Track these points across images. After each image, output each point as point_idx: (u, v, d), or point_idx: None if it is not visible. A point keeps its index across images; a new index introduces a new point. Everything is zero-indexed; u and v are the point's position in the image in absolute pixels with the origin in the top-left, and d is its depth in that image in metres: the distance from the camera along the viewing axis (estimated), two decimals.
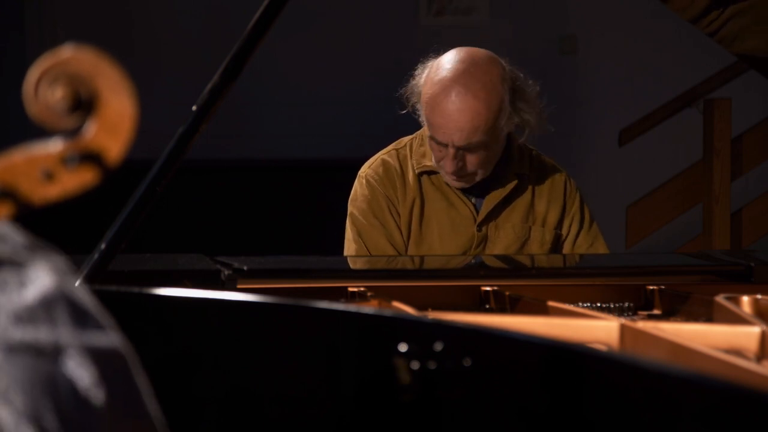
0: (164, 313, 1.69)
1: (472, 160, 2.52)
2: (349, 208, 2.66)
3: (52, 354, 0.74)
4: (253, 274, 2.05)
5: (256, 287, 2.02)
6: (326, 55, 5.78)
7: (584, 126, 5.82)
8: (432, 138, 2.53)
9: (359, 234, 2.62)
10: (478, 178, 2.57)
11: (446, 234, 2.60)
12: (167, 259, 2.18)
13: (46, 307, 0.75)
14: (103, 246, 1.91)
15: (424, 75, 2.56)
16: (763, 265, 2.21)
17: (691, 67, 5.47)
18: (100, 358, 0.76)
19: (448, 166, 2.51)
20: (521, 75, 2.55)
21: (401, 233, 2.61)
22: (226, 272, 2.02)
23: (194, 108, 2.02)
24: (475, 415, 1.50)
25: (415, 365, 1.48)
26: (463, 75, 2.48)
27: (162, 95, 5.26)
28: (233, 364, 1.68)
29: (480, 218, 2.61)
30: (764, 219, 4.98)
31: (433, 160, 2.58)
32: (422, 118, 2.59)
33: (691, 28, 2.53)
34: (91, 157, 0.78)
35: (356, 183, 2.67)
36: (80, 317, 0.77)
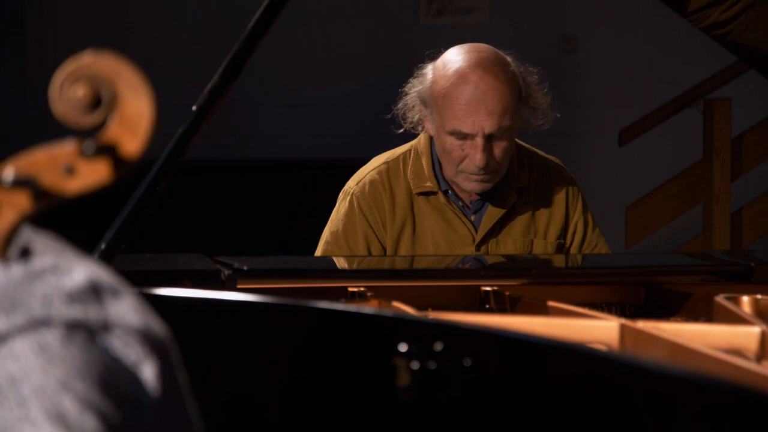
0: (164, 313, 1.69)
1: (498, 151, 2.41)
2: (328, 223, 2.56)
3: (101, 332, 0.79)
4: (253, 274, 2.05)
5: (256, 287, 2.02)
6: (326, 55, 5.78)
7: (584, 126, 5.82)
8: (453, 134, 2.41)
9: (324, 254, 2.52)
10: (498, 177, 2.46)
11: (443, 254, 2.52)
12: (167, 259, 2.18)
13: (94, 290, 0.80)
14: (103, 246, 1.91)
15: (429, 76, 2.45)
16: (763, 265, 2.21)
17: (691, 67, 5.48)
18: (144, 338, 0.81)
19: (480, 159, 2.38)
20: (521, 63, 2.49)
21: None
22: (226, 272, 2.02)
23: (194, 108, 2.02)
24: (475, 415, 1.50)
25: (415, 365, 1.48)
26: (477, 62, 2.40)
27: (162, 95, 5.25)
28: (233, 364, 1.68)
29: (479, 238, 2.52)
30: (764, 219, 4.98)
31: (449, 165, 2.45)
32: (431, 124, 2.47)
33: (691, 28, 2.53)
34: (108, 150, 0.84)
35: (341, 197, 2.56)
36: (125, 302, 0.82)
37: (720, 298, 1.88)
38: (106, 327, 0.79)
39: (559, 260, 2.55)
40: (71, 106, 0.83)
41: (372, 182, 2.52)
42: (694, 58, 5.51)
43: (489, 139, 2.40)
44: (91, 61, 0.84)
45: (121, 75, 0.84)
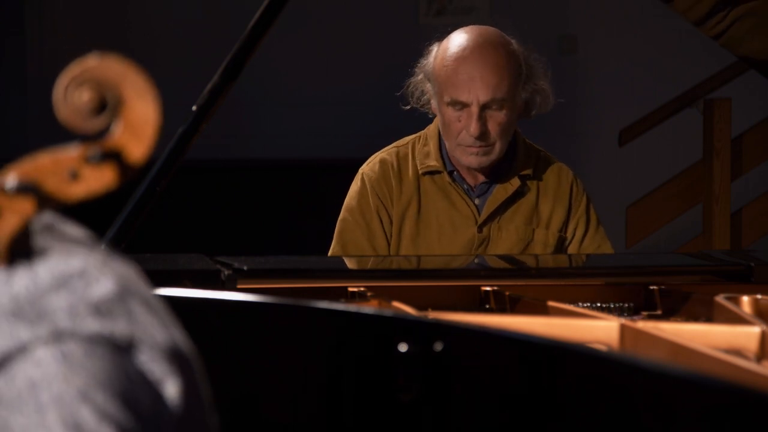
0: None
1: (493, 124, 2.50)
2: (343, 205, 2.67)
3: (127, 348, 0.77)
4: (253, 274, 2.05)
5: (256, 287, 2.02)
6: (326, 55, 5.78)
7: (584, 126, 5.82)
8: (452, 104, 2.51)
9: (341, 231, 2.62)
10: (495, 155, 2.53)
11: (446, 234, 2.59)
12: (167, 259, 2.18)
13: (122, 301, 0.79)
14: (103, 246, 1.91)
15: (434, 52, 2.57)
16: (763, 265, 2.21)
17: (691, 67, 5.47)
18: (169, 355, 0.79)
19: (474, 127, 2.48)
20: (526, 48, 2.59)
21: (386, 236, 2.60)
22: (226, 272, 2.02)
23: (194, 108, 2.02)
24: (474, 415, 1.50)
25: (415, 365, 1.48)
26: (480, 37, 2.53)
27: (162, 95, 5.26)
28: (233, 364, 1.68)
29: (481, 219, 2.59)
30: (764, 219, 4.98)
31: (449, 139, 2.55)
32: (434, 99, 2.56)
33: (691, 28, 2.53)
34: (113, 156, 0.83)
35: (354, 179, 2.67)
36: (152, 314, 0.80)
37: (720, 298, 1.88)
38: (131, 343, 0.77)
39: (559, 260, 2.56)
40: (76, 110, 0.82)
41: (382, 161, 2.64)
42: (694, 58, 5.50)
43: (484, 110, 2.50)
44: (97, 65, 0.82)
45: (126, 79, 0.82)
